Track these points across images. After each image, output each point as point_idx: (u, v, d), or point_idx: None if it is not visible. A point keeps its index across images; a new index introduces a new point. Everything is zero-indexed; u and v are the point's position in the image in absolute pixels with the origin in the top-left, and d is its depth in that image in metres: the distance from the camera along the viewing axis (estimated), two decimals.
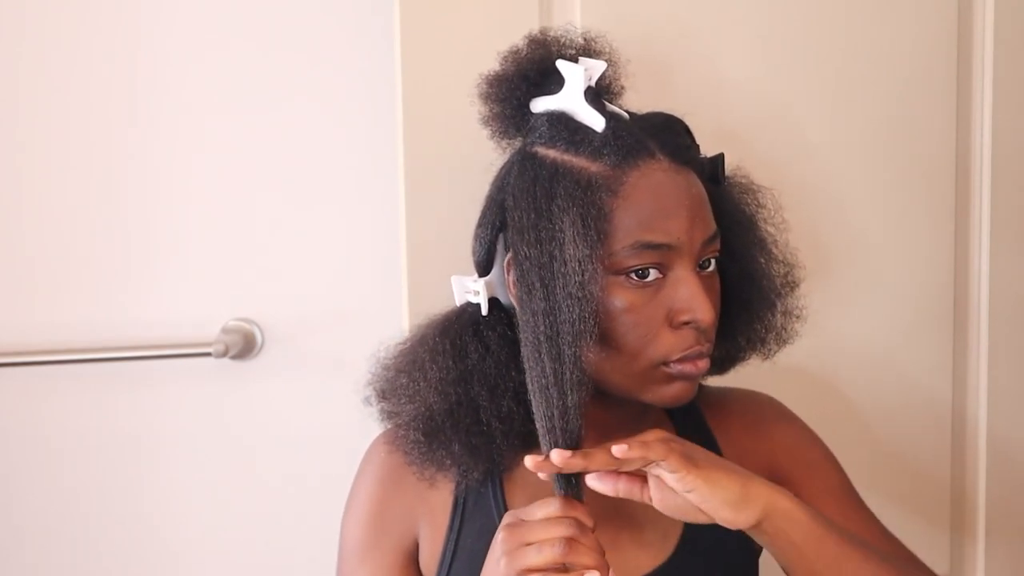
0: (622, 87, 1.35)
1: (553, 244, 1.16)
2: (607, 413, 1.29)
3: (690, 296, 1.17)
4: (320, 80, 1.81)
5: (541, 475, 1.16)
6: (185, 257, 1.83)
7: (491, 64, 1.33)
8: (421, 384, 1.28)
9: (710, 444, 1.37)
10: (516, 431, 1.26)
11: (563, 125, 1.23)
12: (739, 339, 1.37)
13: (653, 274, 1.18)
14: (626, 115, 1.27)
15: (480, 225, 1.29)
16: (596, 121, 1.22)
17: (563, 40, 1.31)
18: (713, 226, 1.22)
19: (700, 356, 1.20)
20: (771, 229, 1.38)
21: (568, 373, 1.15)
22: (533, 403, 1.18)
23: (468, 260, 1.33)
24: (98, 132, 1.81)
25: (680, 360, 1.19)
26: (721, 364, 1.40)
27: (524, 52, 1.30)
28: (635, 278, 1.18)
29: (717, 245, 1.23)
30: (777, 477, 1.36)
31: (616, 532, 1.29)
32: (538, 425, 1.17)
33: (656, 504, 1.18)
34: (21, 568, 1.88)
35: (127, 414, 1.86)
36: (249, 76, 1.80)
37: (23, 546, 1.88)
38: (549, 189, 1.18)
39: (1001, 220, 1.70)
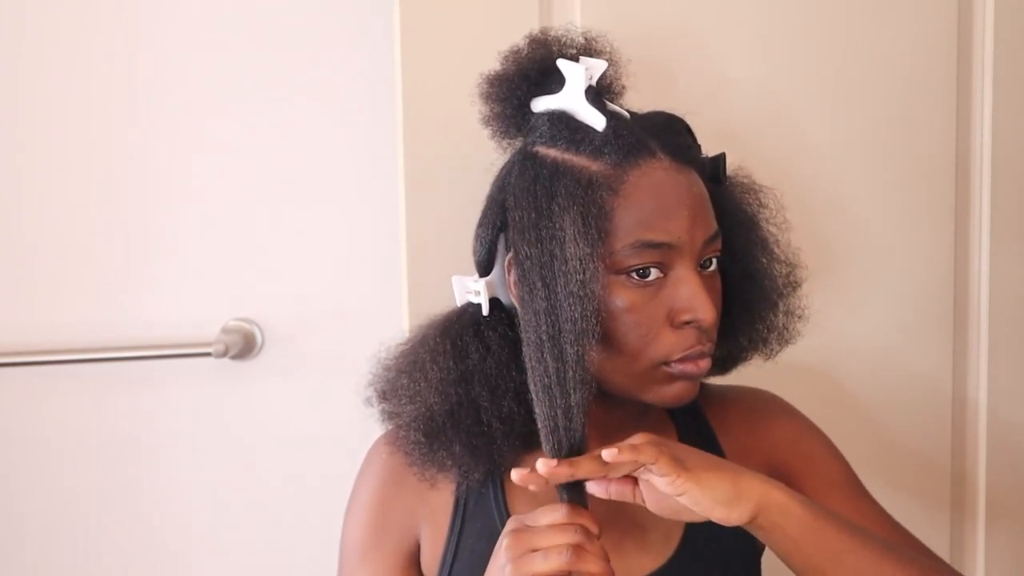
0: (623, 87, 1.34)
1: (554, 243, 1.15)
2: (608, 413, 1.28)
3: (691, 295, 1.17)
4: (320, 80, 1.80)
5: (532, 487, 1.14)
6: (185, 257, 1.83)
7: (491, 64, 1.32)
8: (422, 385, 1.27)
9: (711, 441, 1.36)
10: (517, 432, 1.25)
11: (564, 124, 1.23)
12: (741, 339, 1.36)
13: (654, 273, 1.17)
14: (627, 114, 1.26)
15: (481, 225, 1.28)
16: (597, 120, 1.21)
17: (564, 40, 1.30)
18: (714, 225, 1.21)
19: (701, 356, 1.19)
20: (773, 229, 1.37)
21: (571, 372, 1.14)
22: (535, 403, 1.17)
23: (468, 260, 1.32)
24: (98, 132, 1.80)
25: (681, 360, 1.18)
26: (723, 364, 1.39)
27: (525, 52, 1.29)
28: (636, 277, 1.17)
29: (718, 244, 1.22)
30: (779, 471, 1.35)
31: (618, 533, 1.28)
32: (540, 425, 1.17)
33: (650, 506, 1.17)
34: (21, 568, 1.88)
35: (127, 414, 1.85)
36: (249, 76, 1.80)
37: (23, 546, 1.87)
38: (550, 188, 1.17)
39: (1001, 220, 1.69)
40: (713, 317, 1.17)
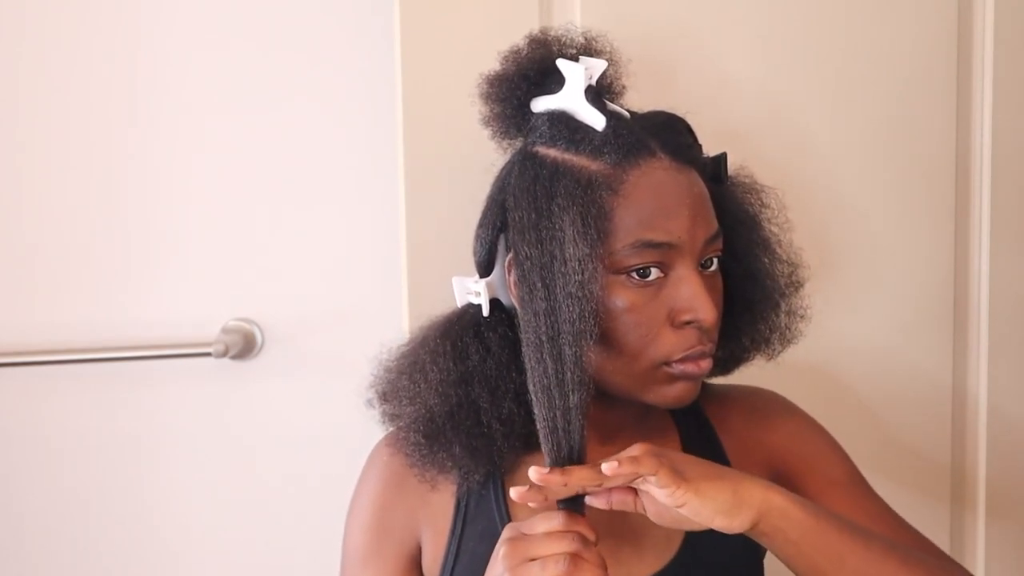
0: (623, 86, 1.33)
1: (554, 244, 1.14)
2: (609, 414, 1.28)
3: (692, 295, 1.16)
4: (320, 80, 1.80)
5: (532, 504, 1.14)
6: (185, 257, 1.82)
7: (491, 64, 1.31)
8: (422, 386, 1.26)
9: (712, 441, 1.36)
10: (517, 433, 1.24)
11: (564, 124, 1.22)
12: (743, 339, 1.35)
13: (654, 273, 1.16)
14: (627, 114, 1.25)
15: (481, 226, 1.28)
16: (597, 120, 1.20)
17: (564, 39, 1.30)
18: (715, 225, 1.21)
19: (702, 356, 1.18)
20: (775, 229, 1.36)
21: (569, 373, 1.13)
22: (534, 404, 1.16)
23: (468, 260, 1.31)
24: (98, 132, 1.80)
25: (682, 360, 1.18)
26: (725, 364, 1.38)
27: (524, 51, 1.29)
28: (636, 277, 1.16)
29: (719, 244, 1.21)
30: (781, 470, 1.35)
31: (616, 538, 1.28)
32: (539, 426, 1.16)
33: (651, 516, 1.16)
34: (21, 568, 1.87)
35: (127, 414, 1.85)
36: (249, 76, 1.79)
37: (23, 546, 1.87)
38: (549, 188, 1.17)
39: (1001, 220, 1.68)
40: (714, 317, 1.16)
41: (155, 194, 1.81)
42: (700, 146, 1.27)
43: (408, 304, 1.60)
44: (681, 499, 1.10)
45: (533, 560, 1.11)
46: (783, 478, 1.34)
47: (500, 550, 1.14)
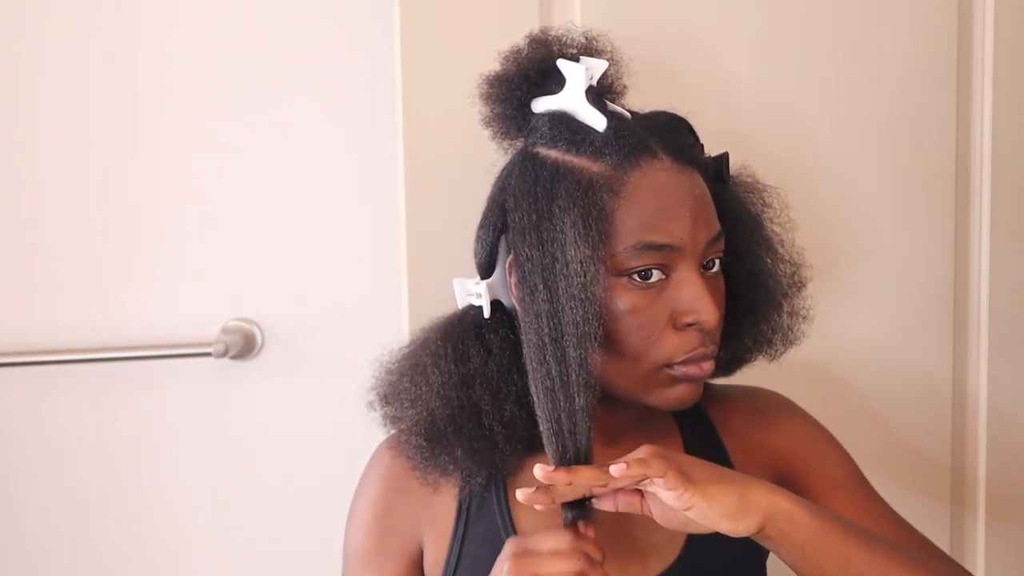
0: (624, 86, 1.32)
1: (555, 245, 1.13)
2: (612, 416, 1.27)
3: (694, 297, 1.15)
4: (320, 80, 1.79)
5: (538, 507, 1.13)
6: (185, 257, 1.81)
7: (491, 64, 1.30)
8: (423, 388, 1.25)
9: (715, 442, 1.35)
10: (519, 435, 1.23)
11: (564, 125, 1.21)
12: (745, 340, 1.34)
13: (656, 275, 1.15)
14: (628, 114, 1.24)
15: (482, 227, 1.27)
16: (597, 121, 1.19)
17: (564, 39, 1.28)
18: (717, 226, 1.19)
19: (705, 358, 1.17)
20: (777, 228, 1.35)
21: (574, 375, 1.12)
22: (537, 406, 1.15)
23: (468, 260, 1.31)
24: (98, 132, 1.79)
25: (684, 362, 1.17)
26: (727, 365, 1.37)
27: (525, 52, 1.27)
28: (638, 279, 1.15)
29: (721, 245, 1.20)
30: (784, 471, 1.34)
31: (620, 540, 1.27)
32: (543, 428, 1.15)
33: (657, 518, 1.15)
34: (21, 568, 1.87)
35: (127, 414, 1.84)
36: (249, 76, 1.79)
37: (23, 546, 1.86)
38: (550, 190, 1.16)
39: (1001, 220, 1.68)
40: (716, 318, 1.15)
41: (155, 194, 1.80)
42: (702, 146, 1.26)
43: (408, 304, 1.59)
44: (689, 502, 1.09)
45: None
46: (785, 479, 1.33)
47: (505, 565, 1.13)
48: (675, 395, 1.19)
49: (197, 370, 1.83)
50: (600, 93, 1.22)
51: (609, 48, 1.30)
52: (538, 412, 1.15)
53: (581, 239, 1.12)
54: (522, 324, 1.17)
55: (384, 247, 1.77)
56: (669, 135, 1.20)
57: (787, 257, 1.35)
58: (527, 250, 1.15)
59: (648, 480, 1.10)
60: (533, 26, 1.49)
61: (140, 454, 1.85)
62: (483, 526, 1.29)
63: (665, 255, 1.15)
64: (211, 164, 1.80)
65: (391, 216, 1.66)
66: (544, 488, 1.11)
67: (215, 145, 1.80)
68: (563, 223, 1.13)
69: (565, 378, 1.13)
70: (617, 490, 1.15)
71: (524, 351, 1.17)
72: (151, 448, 1.85)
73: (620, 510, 1.16)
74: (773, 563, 1.30)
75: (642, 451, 1.11)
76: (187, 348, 1.78)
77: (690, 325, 1.16)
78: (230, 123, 1.79)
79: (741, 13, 1.61)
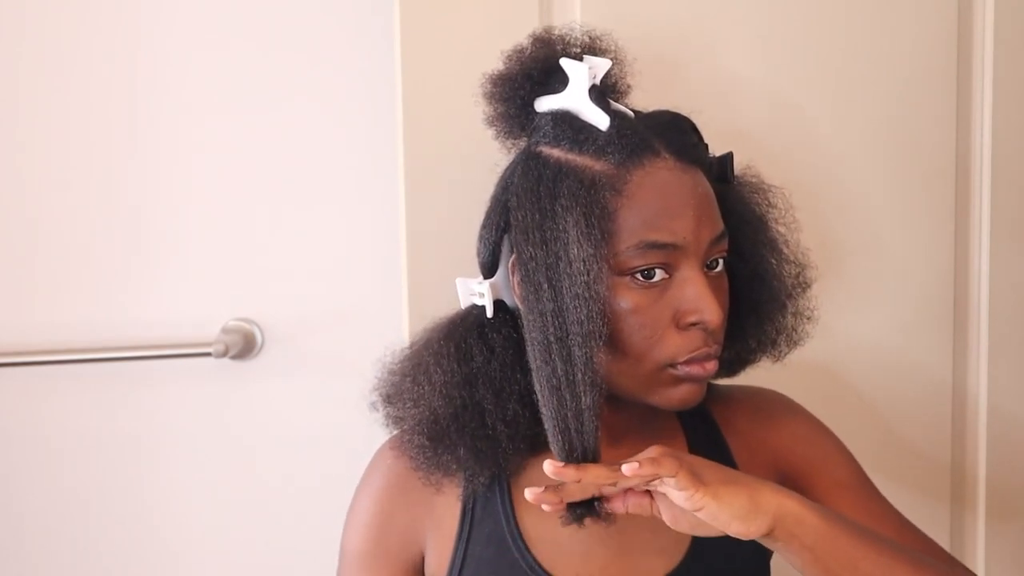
0: (628, 85, 1.31)
1: (558, 245, 1.12)
2: (616, 415, 1.25)
3: (697, 296, 1.13)
4: (320, 80, 1.78)
5: (546, 507, 1.12)
6: (185, 257, 1.80)
7: (491, 63, 1.29)
8: (426, 388, 1.24)
9: (719, 443, 1.34)
10: (522, 434, 1.22)
11: (567, 124, 1.19)
12: (749, 341, 1.33)
13: (659, 274, 1.14)
14: (631, 113, 1.23)
15: (484, 226, 1.26)
16: (600, 120, 1.18)
17: (567, 38, 1.27)
18: (720, 226, 1.18)
19: (708, 358, 1.16)
20: (782, 229, 1.34)
21: (580, 375, 1.11)
22: (543, 405, 1.14)
23: (468, 260, 1.30)
24: (98, 132, 1.78)
25: (687, 362, 1.15)
26: (731, 366, 1.36)
27: (528, 51, 1.26)
28: (641, 279, 1.14)
29: (725, 245, 1.19)
30: (787, 472, 1.33)
31: (627, 538, 1.26)
32: (548, 427, 1.14)
33: (666, 519, 1.14)
34: (21, 568, 1.86)
35: (127, 414, 1.83)
36: (249, 76, 1.78)
37: (23, 546, 1.85)
38: (553, 189, 1.14)
39: (1001, 220, 1.67)
40: (719, 318, 1.14)
41: (155, 194, 1.79)
42: (706, 145, 1.24)
43: (408, 304, 1.58)
44: (700, 503, 1.08)
45: None
46: (789, 479, 1.32)
47: None
48: (678, 395, 1.18)
49: (197, 370, 1.82)
50: (603, 92, 1.21)
51: (612, 47, 1.29)
52: (544, 411, 1.14)
53: (584, 238, 1.11)
54: (526, 323, 1.16)
55: (384, 247, 1.76)
56: (672, 134, 1.19)
57: (792, 258, 1.34)
58: (530, 249, 1.14)
59: (659, 480, 1.09)
60: (533, 26, 1.49)
61: (140, 454, 1.83)
62: (487, 527, 1.28)
63: (668, 254, 1.13)
64: (211, 164, 1.79)
65: (391, 216, 1.66)
66: (553, 487, 1.10)
67: (215, 145, 1.79)
68: (566, 222, 1.12)
69: (571, 377, 1.11)
70: (626, 491, 1.14)
71: (528, 350, 1.16)
72: (151, 448, 1.84)
73: (629, 511, 1.15)
74: (776, 564, 1.29)
75: (653, 451, 1.10)
76: (187, 348, 1.77)
77: (693, 325, 1.15)
78: (230, 123, 1.78)
79: (740, 13, 1.61)
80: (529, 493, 1.10)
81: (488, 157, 1.34)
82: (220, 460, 1.84)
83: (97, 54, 1.77)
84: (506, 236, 1.23)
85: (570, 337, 1.11)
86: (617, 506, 1.15)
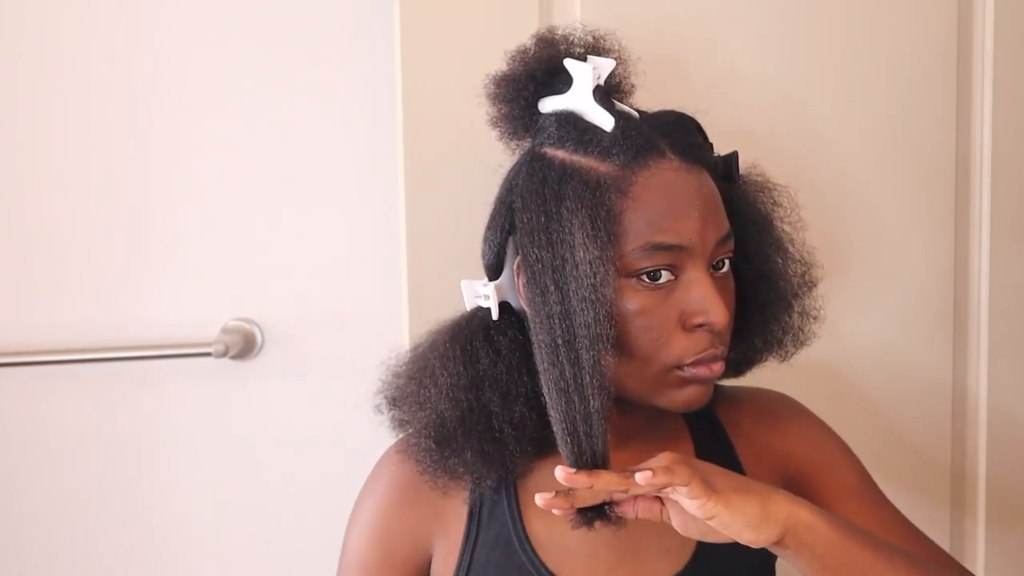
0: (632, 85, 1.29)
1: (564, 247, 1.11)
2: (622, 418, 1.24)
3: (703, 298, 1.12)
4: (320, 80, 1.77)
5: (556, 511, 1.10)
6: (185, 257, 1.79)
7: (491, 63, 1.28)
8: (432, 391, 1.22)
9: (725, 445, 1.32)
10: (529, 437, 1.20)
11: (572, 125, 1.18)
12: (755, 341, 1.32)
13: (665, 276, 1.12)
14: (636, 114, 1.21)
15: (489, 228, 1.24)
16: (605, 120, 1.16)
17: (571, 38, 1.26)
18: (726, 226, 1.17)
19: (714, 359, 1.15)
20: (787, 228, 1.32)
21: (588, 377, 1.10)
22: (551, 408, 1.13)
23: (469, 260, 1.30)
24: (98, 132, 1.77)
25: (694, 363, 1.14)
26: (737, 366, 1.34)
27: (532, 51, 1.25)
28: (647, 280, 1.12)
29: (731, 245, 1.18)
30: (793, 475, 1.32)
31: (633, 540, 1.24)
32: (557, 430, 1.12)
33: (676, 526, 1.13)
34: (21, 568, 1.84)
35: (127, 414, 1.82)
36: (249, 76, 1.76)
37: (23, 546, 1.84)
38: (558, 191, 1.13)
39: (1001, 220, 1.66)
40: (726, 319, 1.12)
41: (155, 194, 1.78)
42: (711, 145, 1.23)
43: (408, 304, 1.57)
44: (712, 511, 1.06)
45: None
46: (794, 482, 1.31)
47: None
48: (685, 397, 1.16)
49: (197, 370, 1.80)
50: (607, 92, 1.20)
51: (616, 47, 1.28)
52: (552, 414, 1.13)
53: (590, 240, 1.09)
54: (532, 326, 1.15)
55: (384, 247, 1.75)
56: (678, 134, 1.17)
57: (798, 257, 1.32)
58: (536, 251, 1.12)
59: (670, 488, 1.07)
60: (534, 25, 1.49)
61: (140, 454, 1.82)
62: (495, 530, 1.26)
63: (674, 255, 1.12)
64: (211, 164, 1.78)
65: (391, 216, 1.65)
66: (564, 492, 1.09)
67: (215, 145, 1.77)
68: (572, 224, 1.11)
69: (579, 380, 1.10)
70: (636, 496, 1.13)
71: (535, 353, 1.14)
72: (151, 448, 1.82)
73: (639, 516, 1.14)
74: (781, 565, 1.27)
75: (664, 458, 1.08)
76: (187, 348, 1.75)
77: (700, 326, 1.13)
78: (230, 123, 1.77)
79: (740, 13, 1.60)
80: (539, 498, 1.08)
81: (488, 157, 1.33)
82: (220, 460, 1.82)
83: (97, 54, 1.76)
84: (511, 238, 1.21)
85: (577, 340, 1.10)
86: (627, 511, 1.14)
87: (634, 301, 1.12)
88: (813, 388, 1.56)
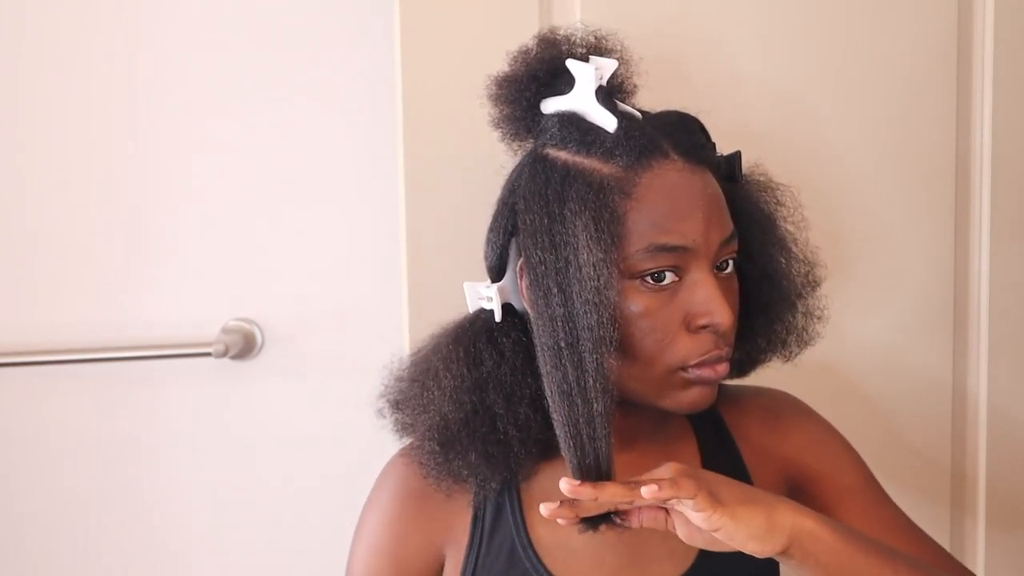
0: (635, 85, 1.28)
1: (567, 249, 1.10)
2: (626, 419, 1.22)
3: (707, 299, 1.11)
4: (320, 80, 1.76)
5: (561, 521, 1.09)
6: (185, 257, 1.78)
7: (491, 63, 1.27)
8: (435, 393, 1.21)
9: (730, 446, 1.31)
10: (534, 438, 1.19)
11: (574, 126, 1.17)
12: (759, 341, 1.30)
13: (669, 277, 1.11)
14: (638, 114, 1.20)
15: (491, 229, 1.23)
16: (608, 121, 1.15)
17: (573, 38, 1.24)
18: (730, 226, 1.16)
19: (719, 360, 1.14)
20: (791, 227, 1.31)
21: (591, 380, 1.09)
22: (554, 411, 1.12)
23: (468, 260, 1.29)
24: (98, 132, 1.76)
25: (698, 365, 1.13)
26: (741, 367, 1.33)
27: (533, 52, 1.23)
28: (651, 282, 1.11)
29: (735, 246, 1.17)
30: (797, 476, 1.31)
31: (639, 541, 1.24)
32: (560, 433, 1.11)
33: (681, 536, 1.12)
34: (21, 568, 1.83)
35: (127, 414, 1.81)
36: (249, 76, 1.75)
37: (23, 546, 1.83)
38: (561, 192, 1.12)
39: (1001, 220, 1.65)
40: (730, 321, 1.11)
41: (155, 194, 1.77)
42: (714, 145, 1.22)
43: (408, 304, 1.56)
44: (717, 523, 1.06)
45: None
46: (798, 483, 1.31)
47: None
48: (689, 398, 1.15)
49: (197, 370, 1.79)
50: (610, 93, 1.19)
51: (618, 47, 1.27)
52: (555, 417, 1.12)
53: (593, 242, 1.08)
54: (535, 328, 1.13)
55: (384, 247, 1.74)
56: (681, 135, 1.16)
57: (801, 256, 1.31)
58: (539, 253, 1.11)
59: (676, 499, 1.06)
60: (534, 25, 1.49)
61: (140, 454, 1.81)
62: (499, 536, 1.25)
63: (678, 257, 1.11)
64: (211, 164, 1.77)
65: (391, 216, 1.63)
66: (568, 502, 1.08)
67: (215, 145, 1.76)
68: (575, 226, 1.09)
69: (582, 383, 1.09)
70: (641, 506, 1.12)
71: (538, 355, 1.13)
72: (151, 448, 1.81)
73: (644, 526, 1.13)
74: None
75: (670, 469, 1.07)
76: (187, 348, 1.74)
77: (704, 327, 1.12)
78: (230, 123, 1.76)
79: (739, 12, 1.59)
80: (544, 508, 1.07)
81: (488, 157, 1.32)
82: (220, 460, 1.81)
83: (97, 54, 1.75)
84: (513, 239, 1.20)
85: (580, 343, 1.09)
86: (632, 521, 1.13)
87: (638, 303, 1.11)
88: (812, 388, 1.55)
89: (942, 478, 1.68)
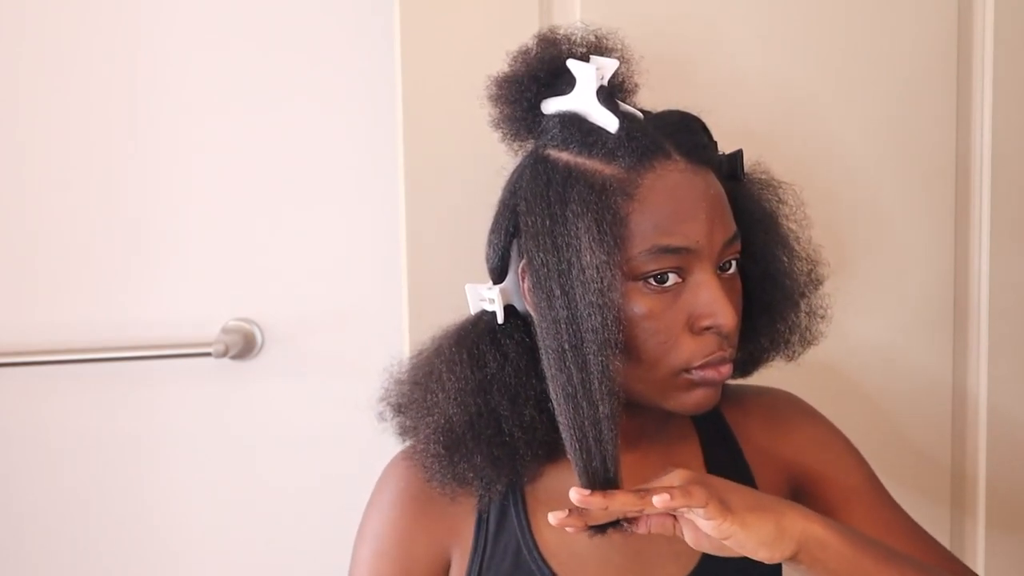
0: (636, 85, 1.27)
1: (570, 251, 1.08)
2: (630, 421, 1.21)
3: (711, 300, 1.10)
4: (320, 80, 1.74)
5: (570, 530, 1.08)
6: (185, 257, 1.77)
7: (491, 63, 1.26)
8: (439, 396, 1.19)
9: (733, 447, 1.30)
10: (539, 440, 1.18)
11: (576, 127, 1.15)
12: (762, 341, 1.29)
13: (672, 279, 1.10)
14: (640, 114, 1.19)
15: (493, 231, 1.21)
16: (609, 122, 1.14)
17: (573, 38, 1.23)
18: (733, 227, 1.14)
19: (723, 362, 1.13)
20: (793, 226, 1.30)
21: (596, 383, 1.07)
22: (559, 413, 1.10)
23: (469, 260, 1.29)
24: (98, 132, 1.75)
25: (702, 366, 1.12)
26: (744, 366, 1.32)
27: (534, 51, 1.22)
28: (654, 283, 1.10)
29: (738, 246, 1.15)
30: (800, 477, 1.30)
31: (643, 542, 1.23)
32: (565, 436, 1.10)
33: (689, 542, 1.11)
34: (21, 568, 1.82)
35: (127, 414, 1.79)
36: (249, 76, 1.74)
37: (23, 546, 1.82)
38: (563, 194, 1.10)
39: (1001, 220, 1.64)
40: (734, 322, 1.10)
41: (155, 194, 1.76)
42: (716, 144, 1.21)
43: (408, 304, 1.55)
44: (727, 531, 1.05)
45: None
46: (801, 484, 1.30)
47: None
48: (693, 400, 1.14)
49: (197, 370, 1.78)
50: (611, 93, 1.17)
51: (619, 46, 1.25)
52: (560, 420, 1.10)
53: (596, 244, 1.07)
54: (539, 330, 1.12)
55: (384, 247, 1.73)
56: (683, 135, 1.15)
57: (804, 255, 1.30)
58: (542, 255, 1.10)
59: (686, 507, 1.05)
60: (534, 25, 1.48)
61: (140, 454, 1.80)
62: (503, 539, 1.24)
63: (681, 258, 1.10)
64: (211, 164, 1.75)
65: (391, 216, 1.63)
66: (577, 511, 1.07)
67: (215, 145, 1.75)
68: (577, 228, 1.08)
69: (587, 386, 1.08)
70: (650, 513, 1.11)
71: (542, 358, 1.12)
72: (151, 448, 1.80)
73: (652, 531, 1.12)
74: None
75: (678, 477, 1.07)
76: (187, 348, 1.73)
77: (708, 329, 1.11)
78: (230, 123, 1.75)
79: (739, 12, 1.58)
80: (553, 518, 1.06)
81: (488, 157, 1.31)
82: (220, 460, 1.80)
83: (97, 54, 1.74)
84: (515, 241, 1.18)
85: (585, 345, 1.07)
86: (640, 528, 1.12)
87: (641, 304, 1.10)
88: (812, 387, 1.54)
89: (942, 478, 1.67)
